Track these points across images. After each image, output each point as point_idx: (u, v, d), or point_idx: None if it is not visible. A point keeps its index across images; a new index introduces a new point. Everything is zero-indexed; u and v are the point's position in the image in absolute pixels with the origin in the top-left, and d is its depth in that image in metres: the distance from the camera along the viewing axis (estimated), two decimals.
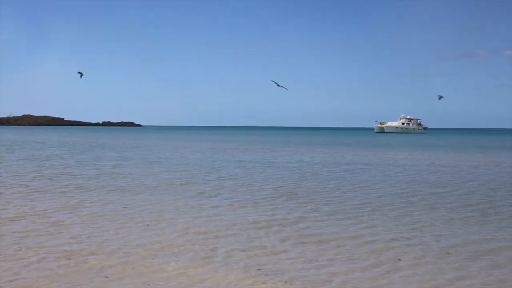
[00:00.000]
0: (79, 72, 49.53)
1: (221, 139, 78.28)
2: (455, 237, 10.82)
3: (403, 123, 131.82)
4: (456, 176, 23.12)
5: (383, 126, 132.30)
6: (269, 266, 8.55)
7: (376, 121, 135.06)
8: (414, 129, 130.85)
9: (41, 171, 23.09)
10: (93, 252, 9.23)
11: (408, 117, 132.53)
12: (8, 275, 7.95)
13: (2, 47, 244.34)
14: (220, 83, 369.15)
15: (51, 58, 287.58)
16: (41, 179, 19.80)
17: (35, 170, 23.24)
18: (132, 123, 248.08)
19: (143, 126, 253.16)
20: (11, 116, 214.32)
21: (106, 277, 7.93)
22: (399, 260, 9.04)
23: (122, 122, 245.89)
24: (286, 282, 7.80)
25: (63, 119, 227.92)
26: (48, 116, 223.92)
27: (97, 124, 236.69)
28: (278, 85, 31.84)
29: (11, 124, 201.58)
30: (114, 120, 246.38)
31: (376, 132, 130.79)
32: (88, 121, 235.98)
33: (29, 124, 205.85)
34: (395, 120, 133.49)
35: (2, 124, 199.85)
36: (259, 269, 8.39)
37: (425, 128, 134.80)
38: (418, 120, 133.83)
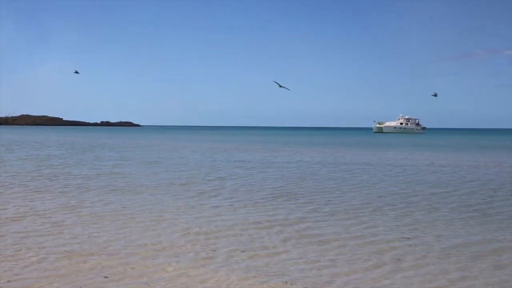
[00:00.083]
0: (75, 72, 49.52)
1: (220, 139, 78.24)
2: (456, 237, 10.79)
3: (401, 123, 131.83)
4: (456, 176, 23.10)
5: (382, 126, 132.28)
6: (270, 267, 8.52)
7: (374, 121, 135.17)
8: (412, 129, 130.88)
9: (41, 171, 23.04)
10: (94, 253, 9.19)
11: (406, 117, 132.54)
12: (8, 275, 7.90)
13: (2, 47, 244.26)
14: (220, 83, 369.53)
15: (50, 58, 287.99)
16: (41, 179, 19.75)
17: (34, 170, 23.19)
18: (131, 123, 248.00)
19: (142, 126, 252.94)
20: (9, 116, 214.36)
21: (106, 277, 7.89)
22: (400, 260, 9.01)
23: (120, 122, 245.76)
24: (287, 282, 7.76)
25: (62, 119, 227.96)
26: (47, 116, 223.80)
27: (95, 124, 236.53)
28: (280, 86, 31.84)
29: (9, 124, 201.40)
30: (112, 120, 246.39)
31: (374, 132, 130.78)
32: (87, 121, 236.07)
33: (27, 124, 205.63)
34: (394, 120, 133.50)
35: (0, 124, 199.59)
36: (261, 270, 8.35)
37: (424, 128, 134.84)
38: (417, 120, 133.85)
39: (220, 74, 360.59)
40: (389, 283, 7.85)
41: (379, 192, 17.33)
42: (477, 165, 29.84)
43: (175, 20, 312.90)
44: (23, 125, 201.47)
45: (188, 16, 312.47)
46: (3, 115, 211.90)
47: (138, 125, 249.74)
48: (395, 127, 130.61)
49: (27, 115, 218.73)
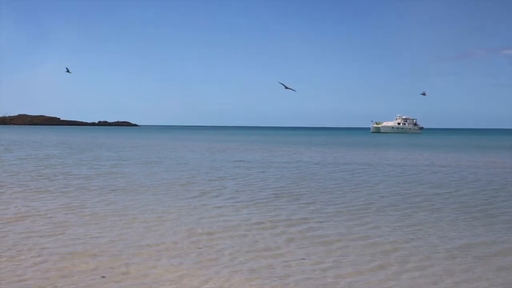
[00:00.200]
0: (66, 68, 49.34)
1: (220, 139, 78.16)
2: (460, 238, 10.73)
3: (399, 123, 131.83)
4: (457, 176, 23.06)
5: (379, 126, 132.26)
6: (274, 268, 8.45)
7: (372, 121, 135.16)
8: (410, 129, 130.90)
9: (40, 171, 22.94)
10: (96, 253, 9.11)
11: (404, 117, 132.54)
12: (9, 276, 7.84)
13: (2, 47, 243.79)
14: (220, 83, 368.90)
15: (49, 58, 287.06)
16: (41, 179, 19.66)
17: (33, 170, 23.09)
18: (129, 123, 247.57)
19: (139, 126, 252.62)
20: (7, 115, 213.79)
21: (103, 277, 7.84)
22: (405, 261, 8.95)
23: (118, 122, 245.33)
24: (292, 284, 7.70)
25: (59, 118, 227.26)
26: (44, 116, 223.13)
27: (93, 124, 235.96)
28: (286, 88, 31.73)
29: (7, 124, 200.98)
30: (110, 120, 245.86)
31: (372, 132, 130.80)
32: (84, 120, 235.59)
33: (25, 124, 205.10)
34: (392, 120, 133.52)
35: None
36: (264, 271, 8.28)
37: (421, 128, 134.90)
38: (414, 120, 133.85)
39: (220, 74, 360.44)
40: (394, 284, 7.80)
41: (381, 193, 17.28)
42: (478, 165, 29.82)
43: (175, 20, 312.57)
44: (20, 124, 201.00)
45: (188, 16, 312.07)
46: (0, 115, 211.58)
47: (135, 125, 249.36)
48: (392, 127, 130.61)
49: (25, 115, 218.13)
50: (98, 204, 14.12)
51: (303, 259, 9.00)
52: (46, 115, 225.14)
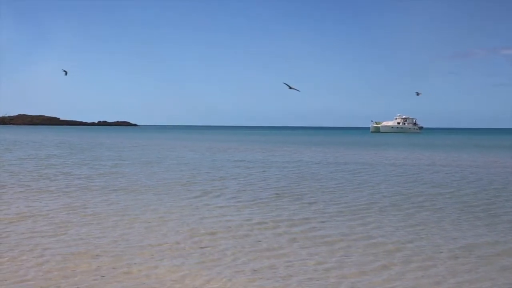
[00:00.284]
0: (63, 70, 49.26)
1: (219, 139, 78.11)
2: (464, 238, 10.70)
3: (398, 123, 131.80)
4: (458, 176, 23.03)
5: (379, 125, 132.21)
6: (277, 268, 8.41)
7: (372, 121, 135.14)
8: (409, 128, 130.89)
9: (41, 171, 22.90)
10: (98, 253, 9.09)
11: (403, 116, 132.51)
12: (11, 276, 7.82)
13: (2, 47, 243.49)
14: (220, 83, 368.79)
15: (48, 57, 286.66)
16: (41, 179, 19.63)
17: (34, 170, 23.05)
18: (128, 122, 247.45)
19: (139, 126, 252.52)
20: (6, 115, 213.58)
21: (103, 276, 7.81)
22: (408, 261, 8.93)
23: (118, 121, 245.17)
24: (294, 284, 7.67)
25: (59, 118, 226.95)
26: (44, 116, 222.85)
27: (92, 124, 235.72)
28: (290, 88, 31.66)
29: (6, 124, 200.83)
30: (110, 120, 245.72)
31: (371, 132, 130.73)
32: (84, 120, 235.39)
33: (25, 124, 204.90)
34: (391, 120, 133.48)
35: None
36: (267, 271, 8.25)
37: (421, 128, 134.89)
38: (414, 120, 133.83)
39: (220, 74, 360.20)
40: (398, 284, 7.78)
41: (383, 192, 17.25)
42: (478, 165, 29.80)
43: (175, 20, 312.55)
44: (20, 124, 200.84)
45: (188, 16, 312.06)
46: (0, 114, 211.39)
47: (135, 125, 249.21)
48: (392, 127, 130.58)
49: (24, 115, 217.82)
50: (100, 204, 14.09)
51: (306, 259, 8.96)
52: (46, 115, 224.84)
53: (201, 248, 9.61)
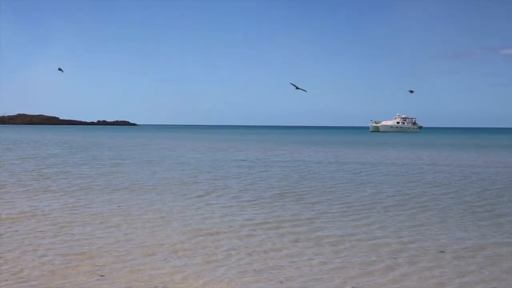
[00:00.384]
0: (59, 69, 49.13)
1: (219, 138, 78.07)
2: (470, 239, 10.61)
3: (398, 122, 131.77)
4: (461, 175, 22.96)
5: (378, 125, 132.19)
6: (282, 269, 8.35)
7: (371, 120, 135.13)
8: (409, 128, 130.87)
9: (42, 170, 22.84)
10: (100, 254, 9.02)
11: (403, 116, 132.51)
12: (13, 276, 7.76)
13: (2, 47, 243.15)
14: (219, 82, 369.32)
15: (48, 57, 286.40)
16: (43, 179, 19.56)
17: (35, 170, 22.99)
18: (127, 122, 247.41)
19: (138, 125, 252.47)
20: (6, 115, 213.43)
21: (104, 276, 7.76)
22: (414, 262, 8.88)
23: (117, 121, 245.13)
24: (299, 285, 7.62)
25: (58, 118, 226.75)
26: (43, 115, 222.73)
27: (92, 123, 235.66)
28: (297, 88, 31.59)
29: (6, 123, 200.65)
30: (109, 119, 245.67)
31: (371, 131, 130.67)
32: (83, 120, 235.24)
33: (24, 123, 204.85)
34: (391, 119, 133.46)
35: None
36: (272, 272, 8.19)
37: (420, 127, 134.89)
38: (413, 119, 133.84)
39: (219, 73, 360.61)
40: (403, 285, 7.72)
41: (385, 192, 17.19)
42: (480, 164, 29.76)
43: (175, 20, 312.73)
44: (19, 124, 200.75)
45: (188, 16, 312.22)
46: None
47: (134, 124, 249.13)
48: (391, 126, 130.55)
49: (24, 114, 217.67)
50: (102, 204, 14.04)
51: (311, 259, 8.91)
52: (45, 114, 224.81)
53: (204, 248, 9.55)
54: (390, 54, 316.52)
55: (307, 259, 8.95)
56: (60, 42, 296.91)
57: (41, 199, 14.79)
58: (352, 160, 31.97)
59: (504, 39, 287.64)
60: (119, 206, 13.72)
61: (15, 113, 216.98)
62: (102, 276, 7.88)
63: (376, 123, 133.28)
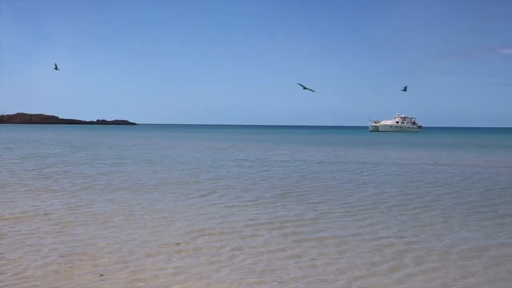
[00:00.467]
0: (55, 67, 49.05)
1: (219, 138, 78.02)
2: (474, 239, 10.54)
3: (397, 122, 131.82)
4: (463, 175, 22.90)
5: (377, 124, 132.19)
6: (286, 270, 8.28)
7: (370, 120, 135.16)
8: (408, 127, 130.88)
9: (43, 170, 22.77)
10: (102, 254, 8.97)
11: (402, 115, 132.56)
12: (15, 276, 7.72)
13: (2, 47, 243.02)
14: (219, 82, 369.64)
15: (48, 57, 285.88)
16: (44, 178, 19.50)
17: (36, 169, 22.92)
18: (127, 121, 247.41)
19: (138, 124, 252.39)
20: (5, 114, 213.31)
21: (106, 277, 7.71)
22: (420, 263, 8.84)
23: (116, 120, 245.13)
24: (303, 286, 7.55)
25: (57, 117, 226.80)
26: (42, 115, 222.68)
27: (91, 123, 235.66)
28: (305, 88, 31.59)
29: (5, 122, 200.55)
30: (108, 119, 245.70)
31: (370, 131, 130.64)
32: (83, 119, 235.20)
33: (23, 122, 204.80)
34: (390, 119, 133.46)
35: None
36: (277, 273, 8.12)
37: (420, 127, 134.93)
38: (413, 119, 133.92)
39: (219, 73, 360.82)
40: (408, 285, 7.67)
41: (388, 192, 17.13)
42: (481, 164, 29.71)
43: (175, 20, 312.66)
44: (19, 123, 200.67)
45: (188, 16, 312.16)
46: None
47: (134, 124, 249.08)
48: (391, 126, 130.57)
49: (23, 114, 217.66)
50: (104, 204, 13.98)
51: (316, 259, 8.85)
52: (45, 113, 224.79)
53: (208, 248, 9.49)
54: (390, 54, 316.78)
55: (311, 259, 8.89)
56: (60, 42, 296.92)
57: (43, 198, 14.73)
58: (353, 160, 31.94)
59: (504, 39, 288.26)
60: (121, 206, 13.67)
61: (14, 112, 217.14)
62: (104, 276, 7.83)
63: (375, 122, 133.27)
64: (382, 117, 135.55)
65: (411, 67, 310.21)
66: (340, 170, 25.09)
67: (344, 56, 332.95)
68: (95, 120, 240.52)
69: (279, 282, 7.72)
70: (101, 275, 7.82)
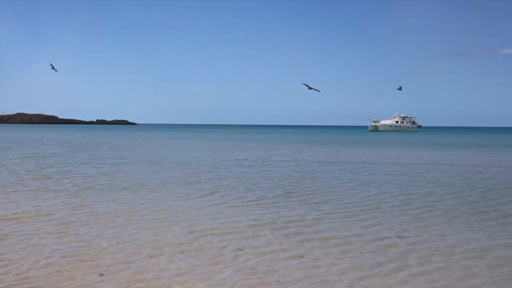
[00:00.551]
0: (52, 67, 48.99)
1: (219, 138, 77.96)
2: (478, 239, 10.50)
3: (397, 122, 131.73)
4: (465, 175, 22.85)
5: (377, 124, 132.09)
6: (289, 270, 8.25)
7: (370, 119, 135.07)
8: (408, 127, 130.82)
9: (44, 170, 22.73)
10: (104, 254, 8.94)
11: (402, 115, 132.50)
12: (17, 276, 7.69)
13: (1, 46, 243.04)
14: (219, 82, 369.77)
15: (48, 57, 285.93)
16: (43, 178, 19.46)
17: (35, 169, 22.89)
18: (126, 121, 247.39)
19: (137, 124, 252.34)
20: (5, 114, 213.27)
21: (106, 276, 7.68)
22: (424, 263, 8.80)
23: (116, 120, 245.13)
24: (307, 287, 7.52)
25: (57, 117, 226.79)
26: (42, 114, 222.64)
27: (91, 122, 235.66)
28: (310, 88, 31.63)
29: (5, 122, 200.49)
30: (108, 119, 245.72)
31: (370, 131, 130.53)
32: (82, 119, 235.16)
33: (23, 122, 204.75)
34: (390, 119, 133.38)
35: None
36: (281, 274, 8.08)
37: (419, 127, 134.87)
38: (412, 119, 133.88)
39: (219, 73, 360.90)
40: (413, 286, 7.64)
41: (391, 192, 17.07)
42: (483, 164, 29.64)
43: (175, 20, 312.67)
44: (18, 123, 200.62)
45: (188, 16, 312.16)
46: None
47: (134, 124, 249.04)
48: (390, 126, 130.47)
49: (23, 114, 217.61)
50: (106, 204, 13.94)
51: (319, 260, 8.81)
52: (44, 113, 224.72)
53: (210, 249, 9.45)
54: (390, 54, 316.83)
55: (314, 259, 8.85)
56: (60, 42, 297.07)
57: (44, 199, 14.69)
58: (354, 160, 31.90)
59: (503, 39, 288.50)
60: (123, 206, 13.63)
61: (14, 112, 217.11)
62: (106, 276, 7.79)
63: (375, 122, 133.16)
64: (382, 117, 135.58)
65: (411, 67, 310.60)
66: (342, 169, 25.05)
67: (344, 56, 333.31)
68: (94, 120, 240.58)
69: (282, 282, 7.68)
70: (103, 276, 7.79)
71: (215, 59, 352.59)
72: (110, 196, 15.38)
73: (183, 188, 17.43)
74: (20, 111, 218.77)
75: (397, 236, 10.62)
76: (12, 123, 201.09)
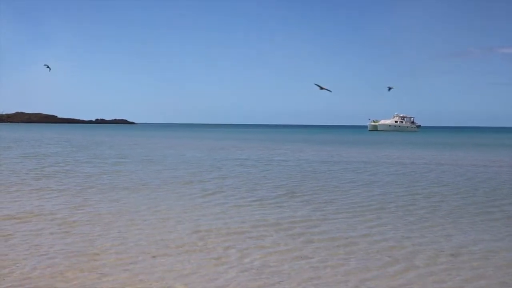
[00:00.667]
0: (46, 66, 48.91)
1: (219, 137, 77.90)
2: (484, 240, 10.45)
3: (396, 121, 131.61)
4: (468, 175, 22.79)
5: (376, 124, 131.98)
6: (295, 271, 8.18)
7: (369, 119, 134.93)
8: (407, 127, 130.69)
9: (44, 169, 22.66)
10: (105, 253, 8.90)
11: (401, 115, 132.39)
12: (18, 276, 7.63)
13: (1, 46, 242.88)
14: (220, 82, 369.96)
15: (47, 57, 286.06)
16: (44, 178, 19.39)
17: (38, 168, 22.81)
18: (126, 120, 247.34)
19: (137, 123, 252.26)
20: (4, 113, 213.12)
21: (109, 276, 7.64)
22: (430, 264, 8.74)
23: (115, 119, 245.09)
24: None
25: (56, 116, 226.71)
26: (41, 114, 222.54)
27: (90, 122, 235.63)
28: (321, 88, 31.61)
29: (4, 121, 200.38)
30: (107, 118, 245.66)
31: (369, 130, 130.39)
32: (81, 118, 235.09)
33: (22, 121, 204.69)
34: (389, 118, 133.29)
35: None
36: (286, 274, 8.02)
37: (418, 126, 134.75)
38: (412, 118, 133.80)
39: (218, 73, 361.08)
40: (420, 287, 7.59)
41: (395, 192, 17.01)
42: (485, 164, 29.57)
43: (175, 20, 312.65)
44: (17, 122, 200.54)
45: (188, 16, 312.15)
46: None
47: (133, 123, 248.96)
48: (389, 125, 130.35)
49: (22, 113, 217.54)
50: (108, 204, 13.86)
51: (325, 261, 8.74)
52: (44, 113, 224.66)
53: (215, 250, 9.37)
54: (390, 54, 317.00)
55: (320, 260, 8.79)
56: (60, 42, 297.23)
57: (47, 198, 14.61)
58: (355, 159, 31.84)
59: (503, 38, 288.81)
60: (126, 206, 13.56)
61: (13, 111, 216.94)
62: (109, 276, 7.73)
63: (374, 122, 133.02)
64: (382, 117, 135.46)
65: (411, 67, 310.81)
66: (344, 169, 24.98)
67: (344, 56, 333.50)
68: (94, 119, 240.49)
69: (288, 283, 7.62)
70: (106, 276, 7.73)
71: (215, 59, 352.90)
72: (113, 195, 15.31)
73: (185, 187, 17.36)
74: (20, 110, 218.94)
75: (405, 237, 10.55)
76: (11, 122, 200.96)
